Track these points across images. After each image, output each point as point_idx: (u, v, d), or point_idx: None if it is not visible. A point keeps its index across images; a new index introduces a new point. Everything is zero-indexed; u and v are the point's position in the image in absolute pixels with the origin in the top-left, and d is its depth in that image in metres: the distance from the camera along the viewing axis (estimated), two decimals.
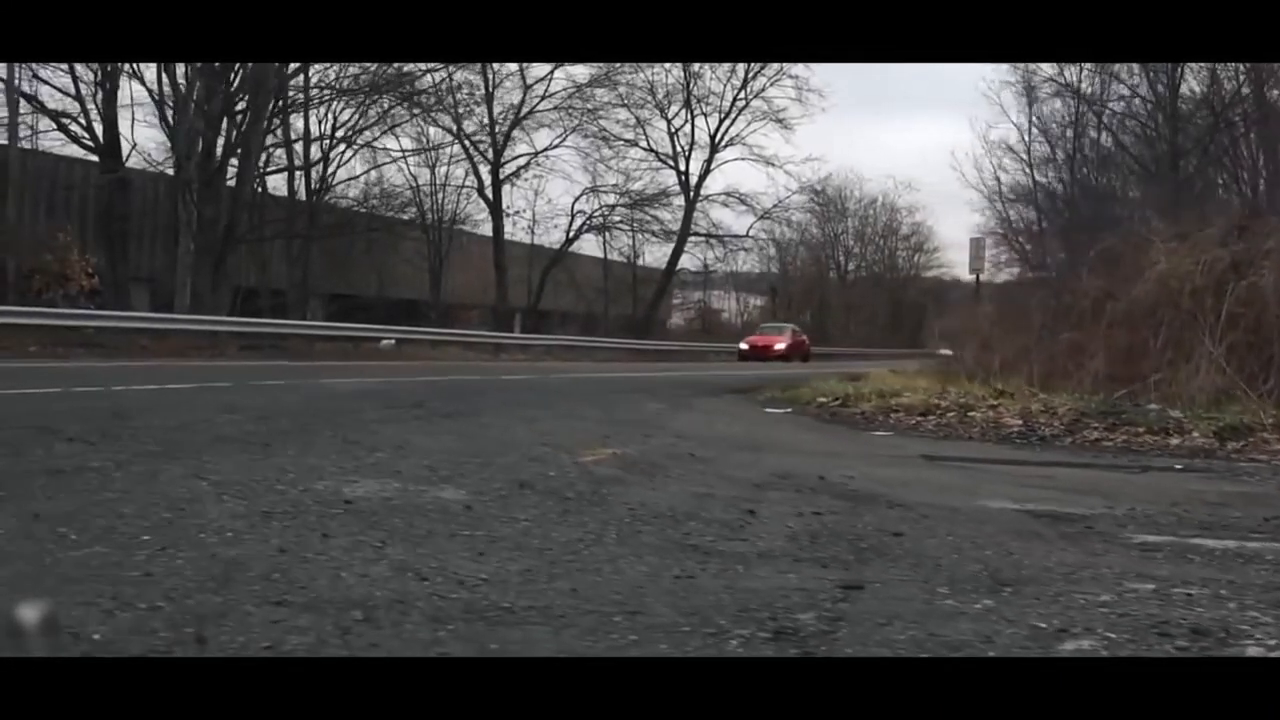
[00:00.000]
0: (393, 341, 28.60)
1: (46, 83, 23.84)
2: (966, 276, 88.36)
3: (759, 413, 10.54)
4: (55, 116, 24.65)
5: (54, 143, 25.54)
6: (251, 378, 10.87)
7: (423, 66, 30.85)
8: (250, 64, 24.62)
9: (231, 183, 25.97)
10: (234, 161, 26.05)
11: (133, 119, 26.40)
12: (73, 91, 25.34)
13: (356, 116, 31.99)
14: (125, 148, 26.65)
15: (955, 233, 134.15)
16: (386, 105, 32.06)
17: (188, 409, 6.99)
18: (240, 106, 25.63)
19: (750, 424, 8.98)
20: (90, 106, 25.48)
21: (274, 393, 8.95)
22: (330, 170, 33.43)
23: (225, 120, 25.20)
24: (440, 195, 38.21)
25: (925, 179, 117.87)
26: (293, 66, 27.07)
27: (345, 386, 10.32)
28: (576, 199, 42.14)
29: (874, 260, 72.16)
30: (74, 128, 25.64)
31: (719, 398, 12.39)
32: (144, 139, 50.12)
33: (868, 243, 70.70)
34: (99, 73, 25.66)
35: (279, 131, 29.76)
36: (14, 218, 21.64)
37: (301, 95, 28.53)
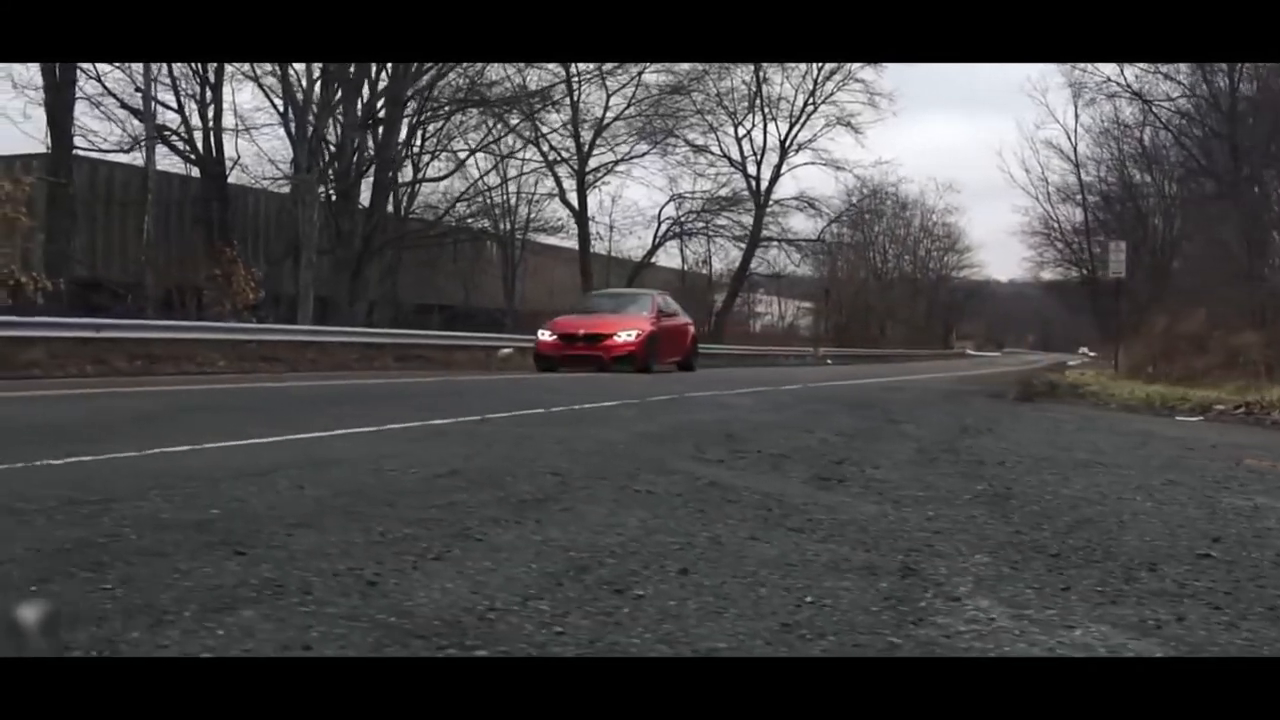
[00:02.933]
0: (510, 350, 28.80)
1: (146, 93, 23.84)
2: (994, 277, 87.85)
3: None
4: (160, 129, 24.72)
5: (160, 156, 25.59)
6: (553, 391, 11.08)
7: (508, 69, 31.08)
8: (385, 72, 24.78)
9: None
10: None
11: (237, 130, 26.22)
12: (174, 104, 25.58)
13: (443, 123, 32.09)
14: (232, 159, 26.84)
15: (982, 233, 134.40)
16: (474, 115, 32.15)
17: (710, 429, 7.19)
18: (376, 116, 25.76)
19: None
20: (195, 119, 25.73)
21: (682, 410, 9.10)
22: (419, 179, 33.48)
23: (361, 131, 25.35)
24: (517, 202, 38.24)
25: (958, 178, 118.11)
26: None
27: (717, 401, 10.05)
28: (663, 206, 42.39)
29: (909, 262, 72.66)
30: (175, 140, 25.83)
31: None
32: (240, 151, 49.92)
33: (902, 244, 71.17)
34: (203, 83, 25.87)
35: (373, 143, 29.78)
36: (152, 234, 21.69)
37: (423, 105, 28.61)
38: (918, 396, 13.78)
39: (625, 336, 19.66)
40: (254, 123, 27.38)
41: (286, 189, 26.32)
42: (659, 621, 2.40)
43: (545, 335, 20.11)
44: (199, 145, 26.36)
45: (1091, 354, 66.96)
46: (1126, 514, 4.17)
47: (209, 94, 26.50)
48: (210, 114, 26.54)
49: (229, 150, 26.64)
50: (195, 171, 26.56)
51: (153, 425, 6.36)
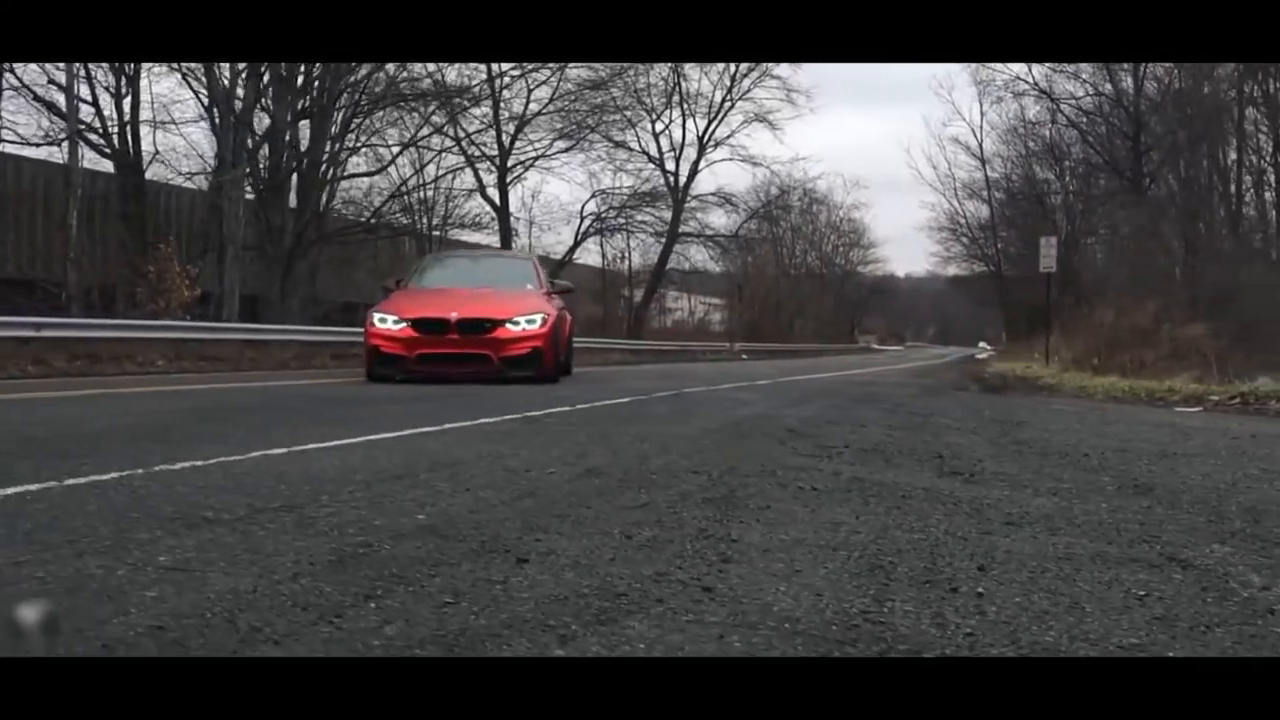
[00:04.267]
0: None
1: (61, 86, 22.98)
2: (898, 272, 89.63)
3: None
4: (79, 124, 23.89)
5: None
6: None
7: (430, 67, 30.71)
8: (316, 69, 24.29)
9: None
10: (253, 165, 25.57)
11: (155, 124, 25.41)
12: (89, 97, 24.70)
13: (364, 119, 31.58)
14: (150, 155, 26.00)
15: (890, 229, 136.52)
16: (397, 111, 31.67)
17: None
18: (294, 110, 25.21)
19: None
20: (111, 111, 24.90)
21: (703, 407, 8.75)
22: (340, 175, 32.91)
23: (292, 126, 24.80)
24: (435, 199, 37.81)
25: (870, 173, 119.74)
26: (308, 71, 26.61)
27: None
28: (586, 202, 42.21)
29: (816, 258, 73.42)
30: (90, 134, 25.01)
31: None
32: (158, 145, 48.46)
33: (809, 240, 71.85)
34: (119, 75, 25.10)
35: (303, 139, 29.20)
36: (75, 232, 21.02)
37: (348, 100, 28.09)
38: (899, 389, 13.84)
39: (525, 324, 12.15)
40: (174, 116, 26.63)
41: (209, 184, 25.61)
42: (1044, 618, 2.30)
43: (385, 324, 12.18)
44: (115, 139, 25.52)
45: (990, 347, 68.29)
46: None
47: (125, 86, 25.67)
48: (127, 107, 25.72)
49: (146, 144, 25.82)
50: (111, 166, 25.71)
51: (214, 425, 6.05)
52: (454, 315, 12.21)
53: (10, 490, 3.59)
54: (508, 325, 12.26)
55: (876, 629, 2.21)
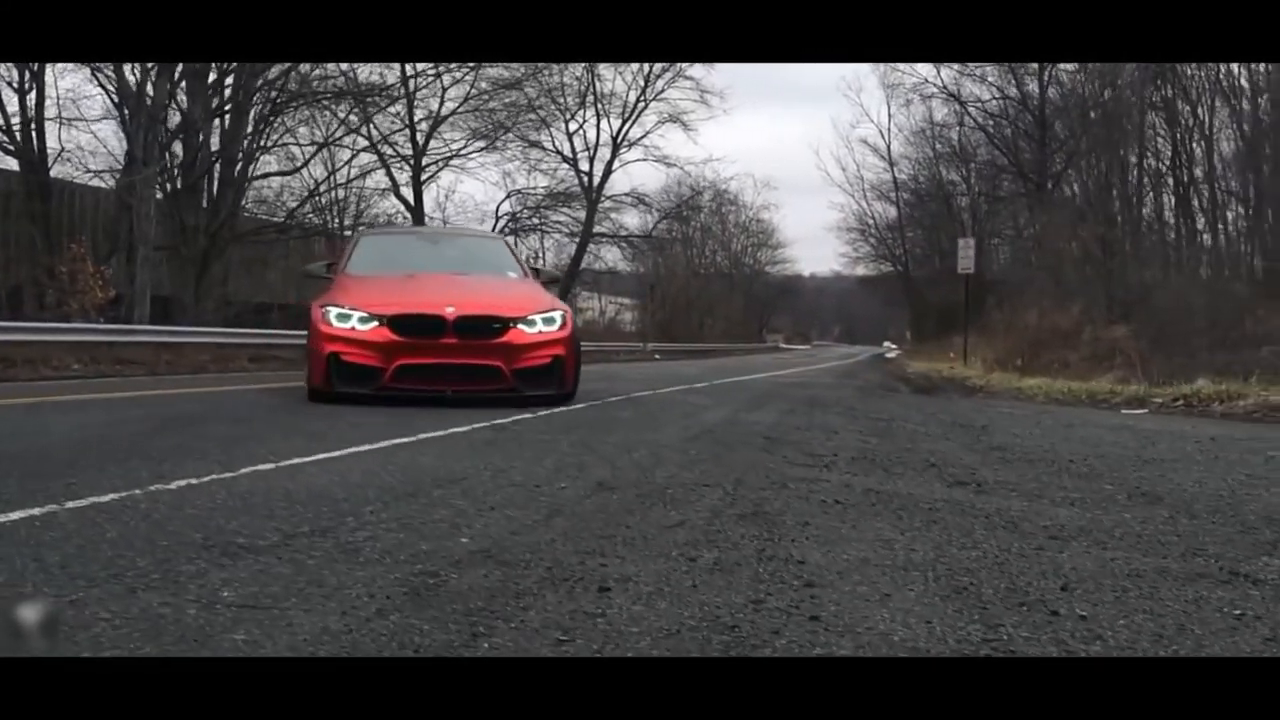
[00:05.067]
0: None
1: None
2: (807, 271, 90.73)
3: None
4: None
5: None
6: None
7: (344, 66, 30.27)
8: (232, 67, 23.78)
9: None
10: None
11: (60, 120, 24.63)
12: None
13: (276, 117, 31.03)
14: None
15: (799, 228, 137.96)
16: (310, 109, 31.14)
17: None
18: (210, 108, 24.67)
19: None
20: (14, 109, 24.10)
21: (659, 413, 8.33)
22: (252, 175, 32.30)
23: (207, 123, 24.25)
24: (346, 197, 37.30)
25: (781, 173, 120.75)
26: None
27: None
28: (501, 202, 41.92)
29: (725, 258, 73.77)
30: None
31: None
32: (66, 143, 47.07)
33: (719, 240, 72.17)
34: (22, 70, 24.36)
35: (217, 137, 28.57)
36: None
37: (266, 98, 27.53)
38: (836, 391, 13.88)
39: (543, 325, 9.03)
40: (82, 112, 25.89)
41: (119, 183, 24.91)
42: (1162, 642, 2.26)
43: (346, 322, 8.80)
44: (18, 136, 24.71)
45: (896, 347, 69.18)
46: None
47: (29, 81, 24.88)
48: (31, 102, 24.92)
49: (52, 141, 25.04)
50: (15, 164, 24.90)
51: (181, 438, 5.80)
52: (450, 311, 8.66)
53: (15, 515, 3.39)
54: (521, 326, 8.82)
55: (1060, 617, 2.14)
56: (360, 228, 37.29)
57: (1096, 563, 3.10)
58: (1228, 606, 2.62)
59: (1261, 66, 31.25)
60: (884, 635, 2.28)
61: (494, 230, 40.13)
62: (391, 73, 34.42)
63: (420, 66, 34.41)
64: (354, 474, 4.55)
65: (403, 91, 34.35)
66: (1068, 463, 5.71)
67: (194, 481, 4.20)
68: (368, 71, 32.63)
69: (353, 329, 8.71)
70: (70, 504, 3.63)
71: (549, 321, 9.07)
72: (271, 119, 27.48)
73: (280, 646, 2.09)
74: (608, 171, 45.48)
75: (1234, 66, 31.48)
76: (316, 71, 28.63)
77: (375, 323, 8.70)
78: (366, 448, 5.56)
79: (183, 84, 23.96)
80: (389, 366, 8.58)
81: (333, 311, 8.87)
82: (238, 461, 4.82)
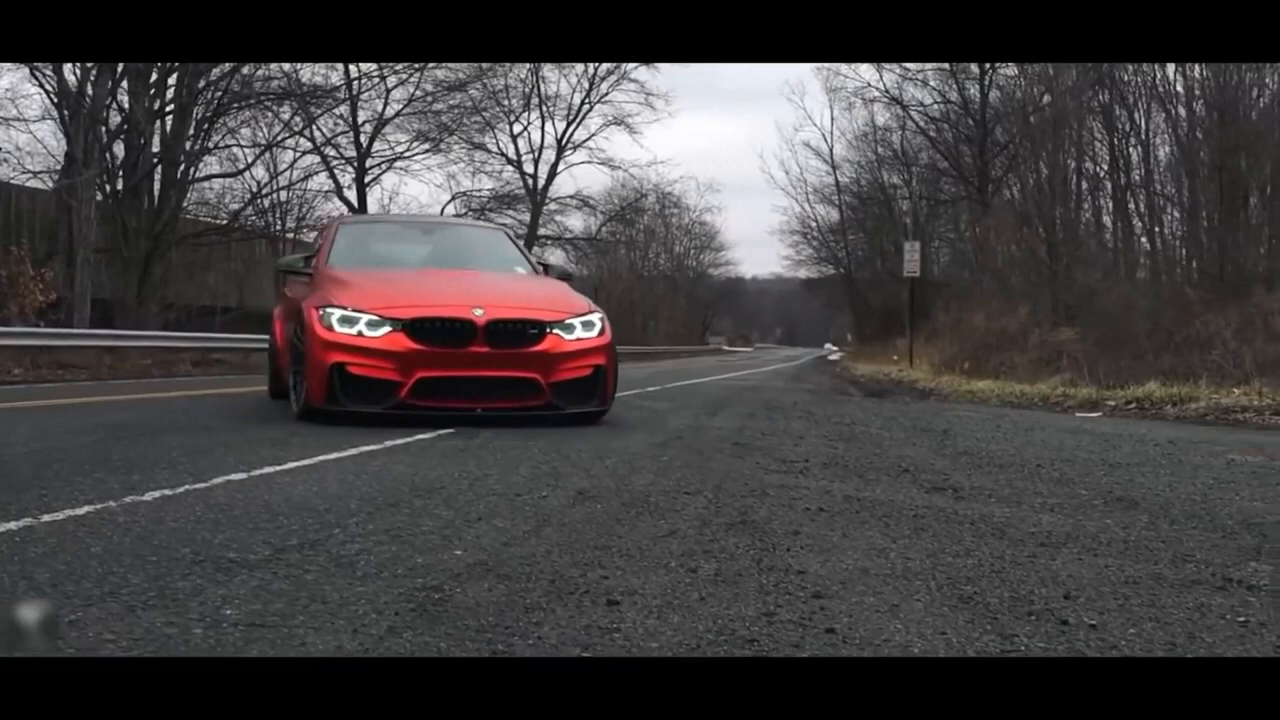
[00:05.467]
0: None
1: None
2: (749, 274, 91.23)
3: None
4: None
5: None
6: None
7: (286, 67, 30.01)
8: (174, 67, 23.49)
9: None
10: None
11: None
12: None
13: (221, 119, 30.72)
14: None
15: (742, 231, 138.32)
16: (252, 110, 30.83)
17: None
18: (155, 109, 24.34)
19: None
20: None
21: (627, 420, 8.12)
22: (194, 177, 31.95)
23: (150, 124, 23.91)
24: (289, 199, 36.98)
25: (725, 175, 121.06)
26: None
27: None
28: (446, 204, 41.75)
29: (668, 260, 73.94)
30: None
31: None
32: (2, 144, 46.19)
33: (663, 243, 72.32)
34: None
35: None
36: None
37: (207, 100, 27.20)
38: (790, 394, 13.93)
39: (581, 331, 7.80)
40: (20, 112, 25.47)
41: (58, 184, 24.52)
42: (1176, 651, 2.27)
43: (352, 326, 7.40)
44: None
45: (838, 349, 69.64)
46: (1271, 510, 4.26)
47: None
48: None
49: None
50: None
51: (143, 448, 5.68)
52: (479, 314, 7.34)
53: None
54: (559, 332, 7.56)
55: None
56: (303, 230, 37.17)
57: (1091, 570, 3.12)
58: (1230, 613, 2.64)
59: (1196, 72, 31.82)
60: (903, 648, 2.28)
61: None
62: (335, 73, 34.24)
63: (365, 67, 34.24)
64: (330, 483, 4.49)
65: (347, 94, 34.10)
66: (1036, 467, 5.76)
67: (168, 493, 4.13)
68: (310, 73, 32.41)
69: (360, 335, 7.28)
70: (46, 517, 3.56)
71: (588, 326, 7.78)
72: (214, 120, 27.18)
73: None
74: (552, 174, 45.54)
75: (1170, 72, 31.99)
76: (260, 72, 28.37)
77: (388, 327, 7.27)
78: (335, 456, 5.49)
79: (124, 84, 23.61)
80: (407, 380, 7.20)
81: (334, 314, 7.37)
82: (208, 471, 4.74)
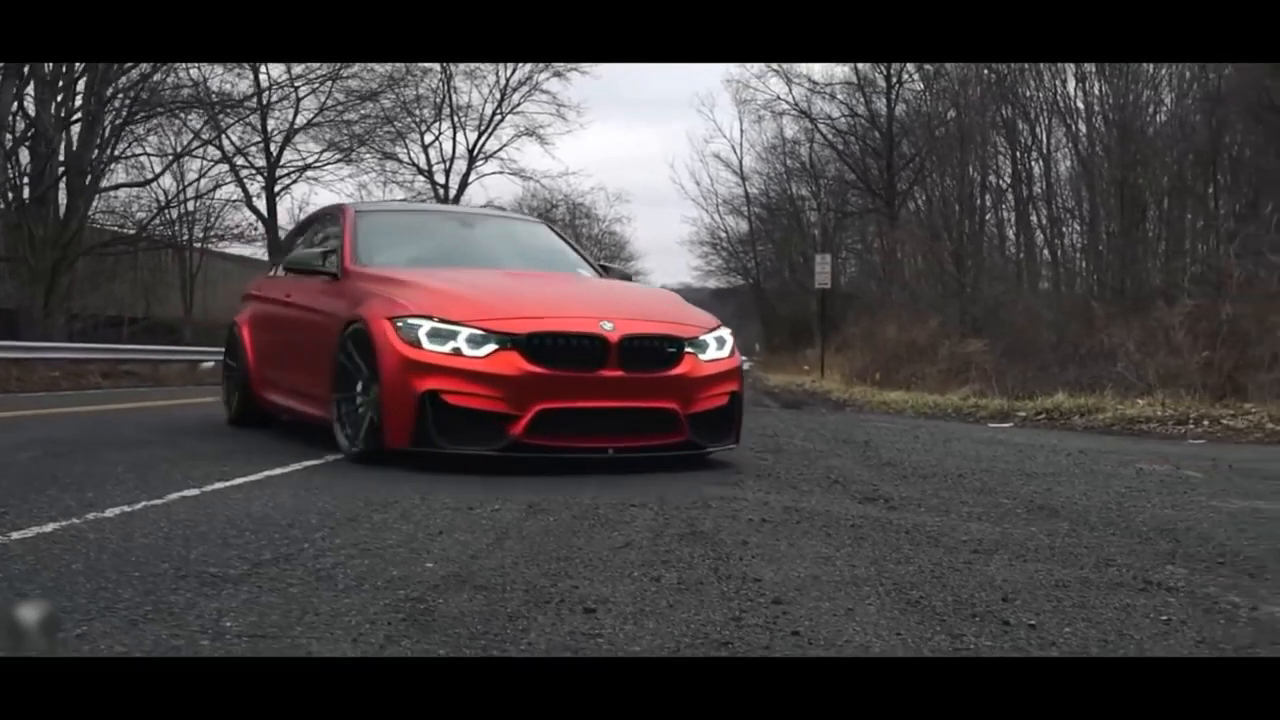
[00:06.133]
0: (213, 364, 27.75)
1: None
2: (659, 284, 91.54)
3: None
4: None
5: None
6: None
7: (195, 75, 29.78)
8: (82, 72, 23.16)
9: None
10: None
11: None
12: None
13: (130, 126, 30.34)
14: None
15: (653, 241, 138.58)
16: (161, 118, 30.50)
17: None
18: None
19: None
20: None
21: None
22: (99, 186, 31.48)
23: (58, 131, 23.54)
24: (197, 209, 36.60)
25: (636, 185, 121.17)
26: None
27: None
28: None
29: None
30: None
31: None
32: None
33: None
34: None
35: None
36: None
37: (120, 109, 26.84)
38: None
39: (715, 350, 6.41)
40: None
41: None
42: (1109, 647, 2.49)
43: (447, 343, 5.81)
44: None
45: (746, 359, 70.22)
46: (1183, 518, 4.55)
47: None
48: None
49: None
50: None
51: (86, 464, 5.71)
52: (608, 328, 5.93)
53: None
54: (694, 351, 6.23)
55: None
56: (211, 240, 36.77)
57: (1023, 575, 3.35)
58: (1153, 613, 2.88)
59: (1096, 89, 32.72)
60: (864, 647, 2.47)
61: None
62: (245, 81, 33.96)
63: (276, 75, 34.01)
64: (284, 499, 4.59)
65: (257, 102, 33.84)
66: (959, 477, 6.02)
67: (127, 509, 4.21)
68: (219, 81, 32.12)
69: (457, 354, 5.77)
70: (16, 535, 3.63)
71: (720, 344, 6.42)
72: (123, 129, 26.84)
73: None
74: (464, 184, 45.42)
75: (1070, 88, 32.88)
76: (170, 79, 28.08)
77: (494, 345, 5.77)
78: (280, 471, 5.58)
79: (30, 90, 23.23)
80: (522, 413, 5.71)
81: (420, 326, 5.82)
82: (160, 488, 4.82)
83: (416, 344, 5.80)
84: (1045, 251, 33.79)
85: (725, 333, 6.55)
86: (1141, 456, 7.50)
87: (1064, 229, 34.53)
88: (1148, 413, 10.45)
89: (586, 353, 5.85)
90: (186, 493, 4.70)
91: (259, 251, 37.72)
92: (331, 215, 8.00)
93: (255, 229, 37.37)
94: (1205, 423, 10.00)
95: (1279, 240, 13.66)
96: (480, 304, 6.03)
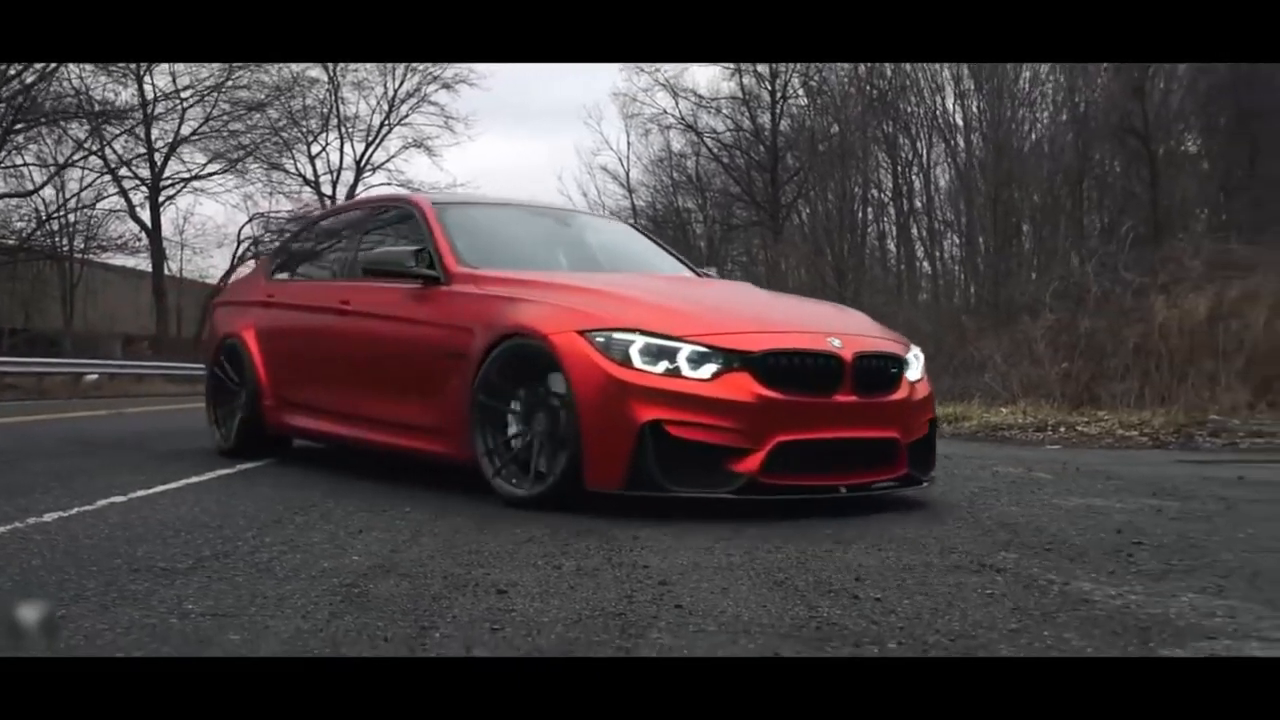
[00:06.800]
0: (96, 376, 27.49)
1: None
2: None
3: None
4: None
5: None
6: None
7: (76, 84, 29.51)
8: None
9: None
10: None
11: None
12: None
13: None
14: None
15: None
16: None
17: None
18: None
19: None
20: None
21: None
22: None
23: None
24: (79, 219, 36.12)
25: (513, 198, 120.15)
26: None
27: None
28: (244, 225, 41.24)
29: None
30: None
31: None
32: None
33: None
34: None
35: None
36: None
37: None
38: None
39: (918, 370, 5.62)
40: None
41: None
42: (939, 614, 3.01)
43: (666, 362, 4.83)
44: None
45: None
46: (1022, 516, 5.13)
47: None
48: None
49: None
50: None
51: (7, 474, 5.98)
52: (837, 344, 5.14)
53: None
54: (907, 373, 5.51)
55: (830, 629, 2.85)
56: (93, 250, 36.30)
57: (876, 560, 3.86)
58: (980, 589, 3.40)
59: (974, 106, 33.99)
60: (736, 617, 2.95)
61: (236, 254, 39.44)
62: (128, 91, 33.65)
63: (161, 85, 33.78)
64: (209, 504, 4.96)
65: (142, 114, 33.58)
66: None
67: (64, 514, 4.55)
68: (103, 90, 31.79)
69: (675, 375, 4.84)
70: None
71: (919, 364, 5.70)
72: (4, 138, 26.51)
73: (273, 644, 2.59)
74: (350, 195, 45.34)
75: (949, 104, 34.10)
76: (53, 88, 27.79)
77: (716, 364, 4.86)
78: (197, 479, 5.93)
79: None
80: (758, 446, 4.84)
81: (633, 342, 4.87)
82: (88, 495, 5.15)
83: (627, 363, 4.83)
84: (925, 264, 35.00)
85: (919, 351, 5.78)
86: (1000, 460, 8.15)
87: (944, 242, 35.78)
88: (1010, 420, 11.18)
89: (820, 375, 5.02)
90: (114, 500, 5.03)
91: (142, 263, 37.41)
92: (384, 209, 7.00)
93: (139, 240, 37.02)
94: (1062, 429, 10.75)
95: (1134, 258, 14.54)
96: (693, 316, 5.17)
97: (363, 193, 45.91)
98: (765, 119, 45.41)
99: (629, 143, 67.73)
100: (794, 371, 4.92)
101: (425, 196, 6.79)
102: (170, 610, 2.90)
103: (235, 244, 41.14)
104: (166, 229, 38.04)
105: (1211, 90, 24.22)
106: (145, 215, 36.67)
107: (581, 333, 4.92)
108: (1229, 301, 11.94)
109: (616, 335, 4.86)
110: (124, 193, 36.04)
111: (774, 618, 2.95)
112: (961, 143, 34.55)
